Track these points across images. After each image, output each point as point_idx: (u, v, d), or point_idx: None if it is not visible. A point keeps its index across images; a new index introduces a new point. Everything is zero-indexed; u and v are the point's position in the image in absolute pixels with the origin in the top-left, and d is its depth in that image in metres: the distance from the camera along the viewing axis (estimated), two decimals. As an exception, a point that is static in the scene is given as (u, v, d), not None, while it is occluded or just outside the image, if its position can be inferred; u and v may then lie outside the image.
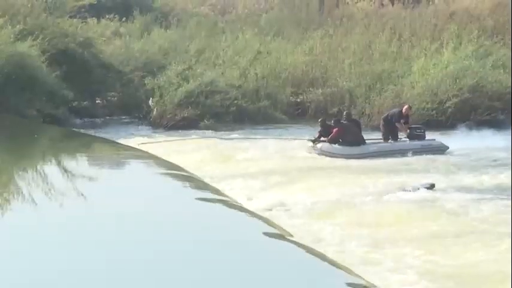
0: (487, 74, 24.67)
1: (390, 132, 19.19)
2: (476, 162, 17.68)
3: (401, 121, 19.21)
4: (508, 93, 24.28)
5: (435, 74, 24.57)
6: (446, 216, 12.25)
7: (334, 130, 18.39)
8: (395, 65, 26.12)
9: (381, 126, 19.69)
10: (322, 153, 18.32)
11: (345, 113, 20.00)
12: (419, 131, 19.35)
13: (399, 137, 19.25)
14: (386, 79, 25.20)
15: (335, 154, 18.13)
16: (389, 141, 19.10)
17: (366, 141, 18.81)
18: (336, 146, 18.33)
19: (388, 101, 23.73)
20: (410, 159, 17.93)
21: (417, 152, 18.51)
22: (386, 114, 19.85)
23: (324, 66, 27.12)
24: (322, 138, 18.62)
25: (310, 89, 26.11)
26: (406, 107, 19.82)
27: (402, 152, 18.49)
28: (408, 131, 19.21)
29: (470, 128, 21.86)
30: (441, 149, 18.94)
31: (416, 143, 18.93)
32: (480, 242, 10.62)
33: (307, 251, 7.34)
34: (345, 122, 18.83)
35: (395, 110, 19.88)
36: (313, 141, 18.70)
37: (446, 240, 10.76)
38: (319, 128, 19.09)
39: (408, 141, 19.09)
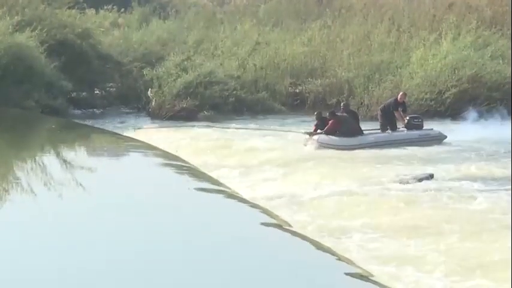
0: (486, 65, 24.68)
1: (388, 123, 19.15)
2: (476, 151, 17.66)
3: (399, 109, 19.19)
4: (507, 83, 24.30)
5: (434, 64, 24.57)
6: (446, 206, 12.26)
7: (330, 122, 18.28)
8: (394, 55, 26.09)
9: (378, 117, 19.67)
10: (319, 144, 18.20)
11: (342, 104, 19.91)
12: (417, 120, 19.31)
13: (397, 127, 19.23)
14: (385, 70, 25.19)
15: (332, 145, 18.05)
16: (387, 131, 19.07)
17: (364, 131, 18.78)
18: (333, 137, 18.24)
19: (387, 92, 23.72)
20: (408, 149, 17.92)
21: (415, 141, 18.50)
22: (383, 105, 19.84)
23: (323, 56, 27.10)
24: (318, 131, 18.53)
25: (309, 79, 26.11)
26: (401, 93, 19.78)
27: (400, 142, 18.48)
28: (406, 120, 19.17)
29: (480, 115, 21.82)
30: (439, 139, 18.92)
31: (414, 133, 18.90)
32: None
33: (308, 241, 7.36)
34: (341, 113, 18.76)
35: (391, 99, 19.88)
36: (310, 134, 18.59)
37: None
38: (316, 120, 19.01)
39: (406, 131, 19.07)
